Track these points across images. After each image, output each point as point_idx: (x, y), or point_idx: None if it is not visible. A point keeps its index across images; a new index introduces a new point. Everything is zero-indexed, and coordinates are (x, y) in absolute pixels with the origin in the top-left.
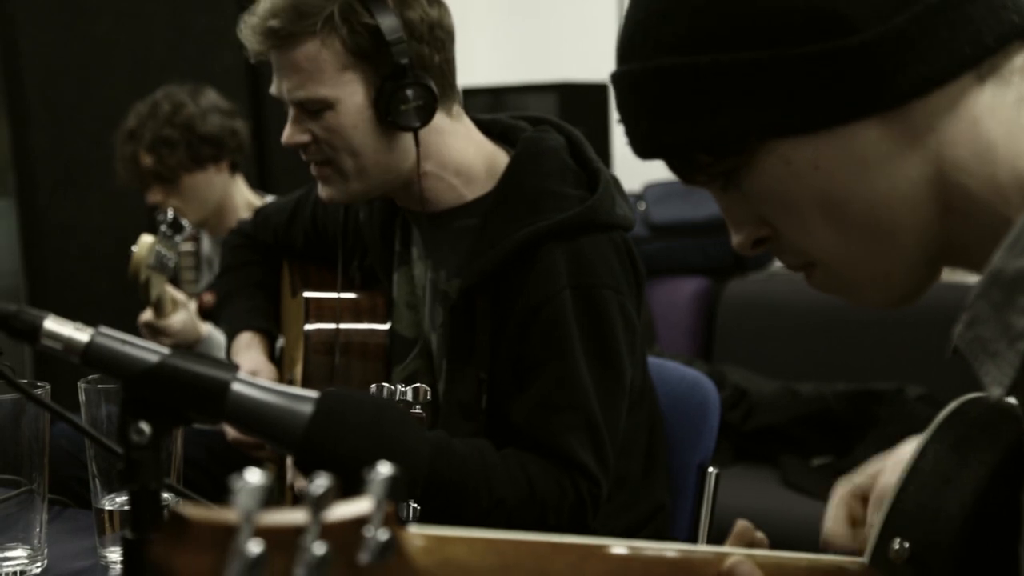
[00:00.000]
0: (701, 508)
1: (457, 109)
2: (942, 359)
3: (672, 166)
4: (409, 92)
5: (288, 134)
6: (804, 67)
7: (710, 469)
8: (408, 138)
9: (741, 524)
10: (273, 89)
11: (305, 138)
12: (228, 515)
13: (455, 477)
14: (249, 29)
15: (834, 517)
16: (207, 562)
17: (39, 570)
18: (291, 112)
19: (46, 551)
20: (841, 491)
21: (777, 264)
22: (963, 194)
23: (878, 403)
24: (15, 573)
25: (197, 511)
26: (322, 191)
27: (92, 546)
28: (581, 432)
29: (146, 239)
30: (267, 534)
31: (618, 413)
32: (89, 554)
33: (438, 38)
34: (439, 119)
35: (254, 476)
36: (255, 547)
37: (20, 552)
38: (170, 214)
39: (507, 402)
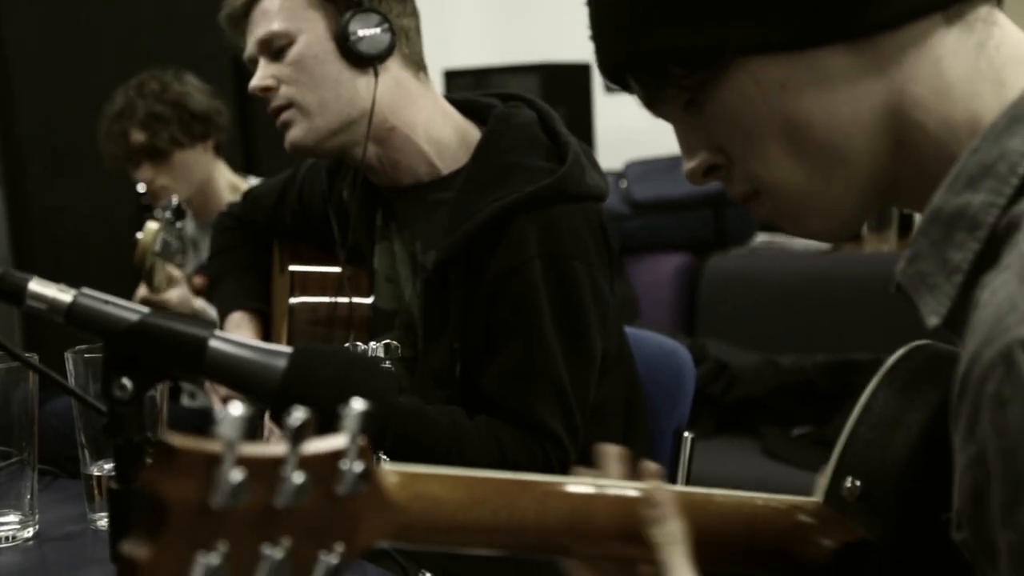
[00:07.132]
0: (677, 473)
1: (425, 77)
2: (918, 329)
3: (641, 81)
4: (365, 19)
5: (256, 79)
6: None
7: (685, 434)
8: (371, 76)
9: (651, 466)
10: (246, 52)
11: (271, 82)
12: (212, 444)
13: (426, 439)
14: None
15: None
16: (192, 487)
17: (31, 534)
18: (260, 63)
19: (37, 517)
20: None
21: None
22: (919, 130)
23: (857, 372)
24: (7, 537)
25: (183, 440)
26: (287, 138)
27: (82, 512)
28: (551, 400)
29: (151, 226)
30: (249, 463)
31: (587, 382)
32: (80, 520)
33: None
34: (406, 78)
35: (236, 408)
36: (238, 474)
37: (12, 518)
38: (174, 200)
39: (479, 371)
